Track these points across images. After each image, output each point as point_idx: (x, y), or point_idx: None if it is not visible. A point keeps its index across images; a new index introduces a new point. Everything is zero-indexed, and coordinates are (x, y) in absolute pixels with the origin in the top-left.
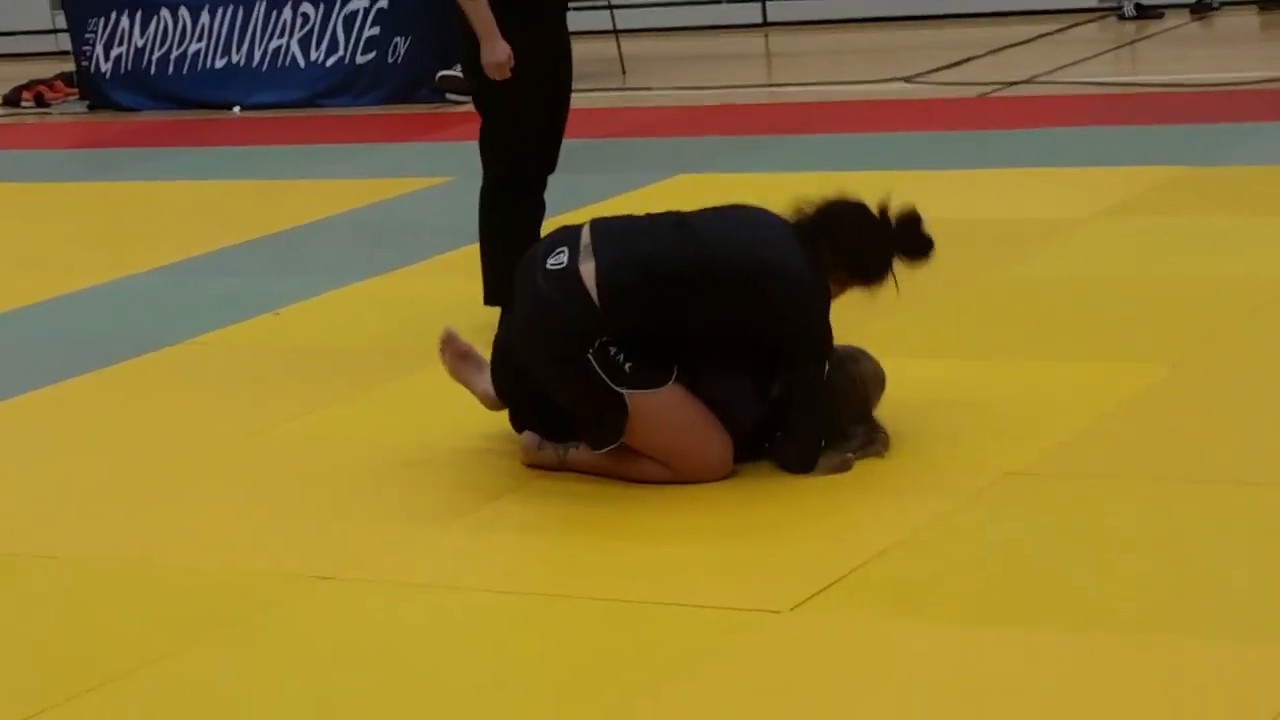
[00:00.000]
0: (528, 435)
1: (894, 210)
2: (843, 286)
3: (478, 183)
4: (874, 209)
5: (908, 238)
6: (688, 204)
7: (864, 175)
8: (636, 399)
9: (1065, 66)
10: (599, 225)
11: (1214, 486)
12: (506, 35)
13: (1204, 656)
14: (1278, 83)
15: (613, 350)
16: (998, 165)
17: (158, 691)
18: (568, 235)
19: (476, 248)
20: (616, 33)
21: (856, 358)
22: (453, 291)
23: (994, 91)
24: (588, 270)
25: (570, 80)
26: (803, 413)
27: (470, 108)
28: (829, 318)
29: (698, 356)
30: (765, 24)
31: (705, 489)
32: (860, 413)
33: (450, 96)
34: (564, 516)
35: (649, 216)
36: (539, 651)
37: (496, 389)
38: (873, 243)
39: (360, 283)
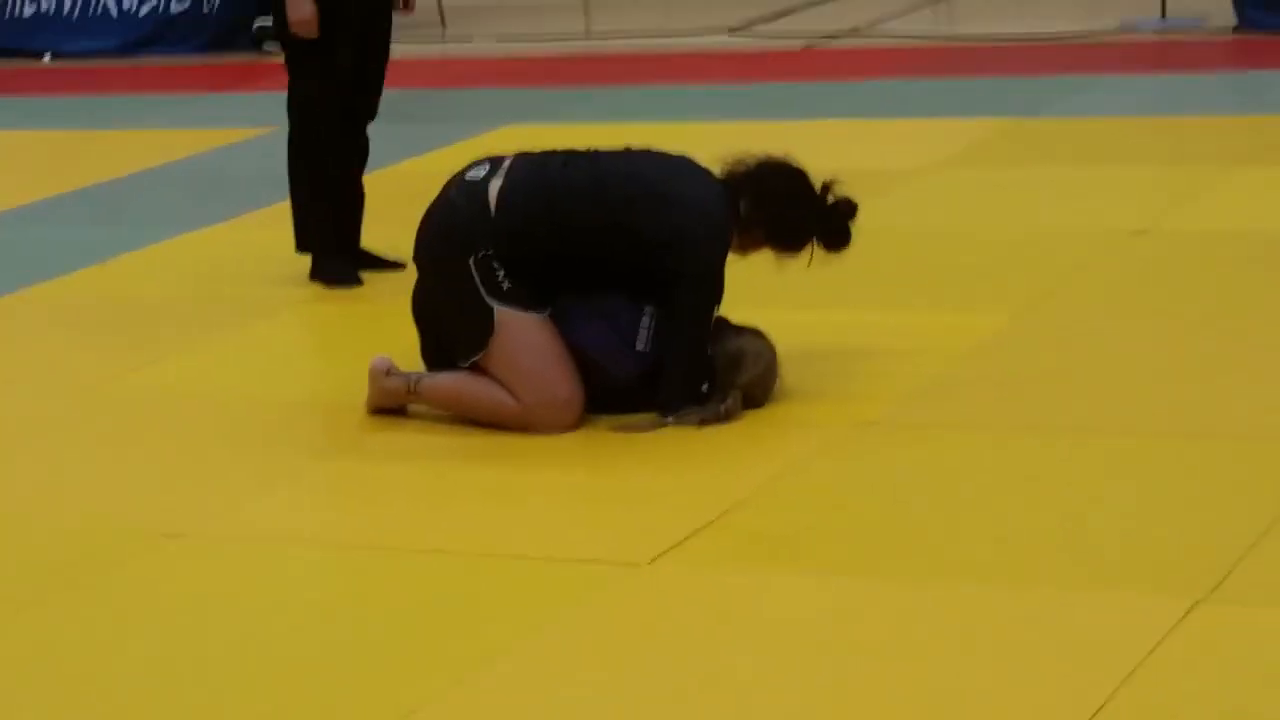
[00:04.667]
0: (378, 360)
1: (835, 194)
2: (752, 244)
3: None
4: (815, 183)
5: (833, 225)
6: None
7: (690, 126)
8: (505, 315)
9: (885, 20)
10: (523, 152)
11: (1060, 434)
12: None
13: (1061, 603)
14: (1093, 37)
15: (495, 265)
16: (823, 117)
17: (1, 652)
18: (494, 158)
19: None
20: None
21: (747, 337)
22: (272, 242)
23: (816, 44)
24: (495, 185)
25: (389, 27)
26: (678, 356)
27: None
28: (721, 266)
29: (575, 293)
30: None
31: (561, 445)
32: (724, 388)
33: (267, 46)
34: (416, 471)
35: (572, 149)
36: (393, 606)
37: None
38: (798, 212)
39: (185, 234)
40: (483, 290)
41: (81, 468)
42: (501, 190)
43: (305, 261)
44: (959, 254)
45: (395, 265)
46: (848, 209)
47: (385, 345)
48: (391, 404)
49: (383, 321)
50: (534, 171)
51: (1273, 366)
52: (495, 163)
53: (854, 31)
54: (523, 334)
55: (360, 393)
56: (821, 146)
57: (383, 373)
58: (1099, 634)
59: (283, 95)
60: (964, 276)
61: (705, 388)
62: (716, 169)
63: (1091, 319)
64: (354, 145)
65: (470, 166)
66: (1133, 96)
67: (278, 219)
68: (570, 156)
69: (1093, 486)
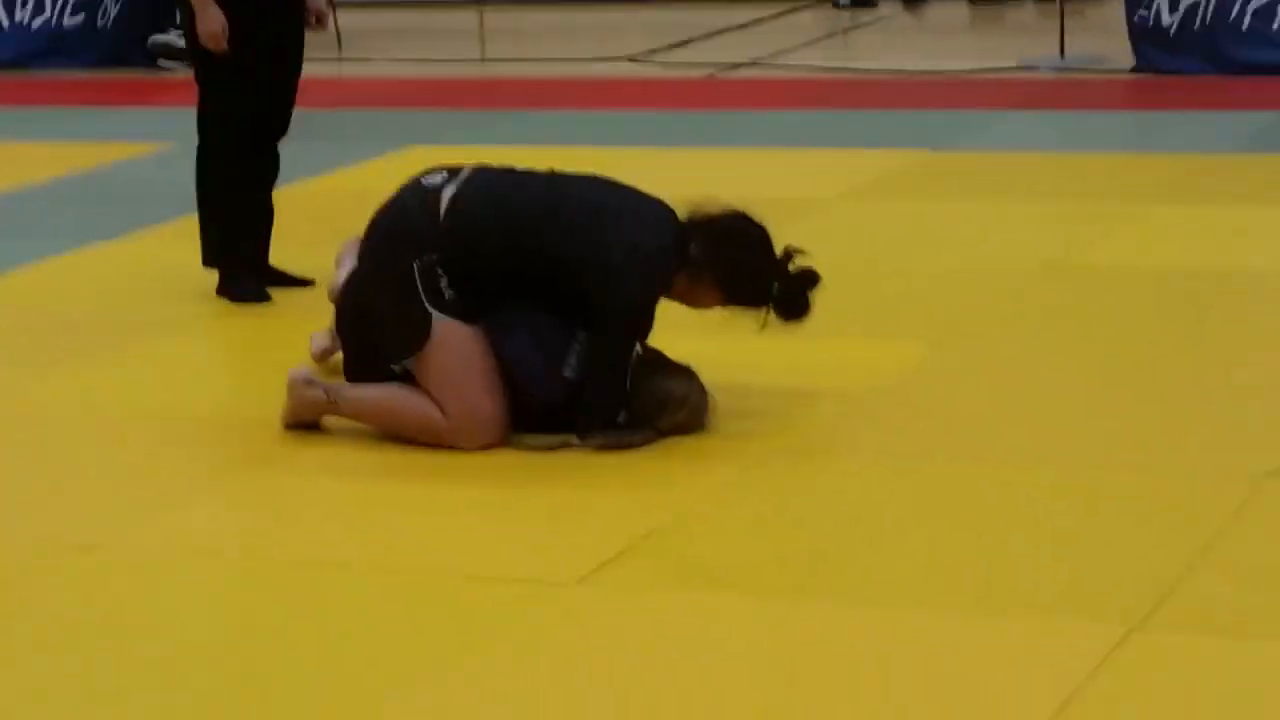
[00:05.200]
0: (296, 371)
1: (797, 263)
2: (703, 292)
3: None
4: (778, 248)
5: (791, 293)
6: None
7: (591, 151)
8: (442, 324)
9: (784, 51)
10: (482, 165)
11: (983, 463)
12: (221, 3)
13: (992, 629)
14: (990, 73)
15: (439, 271)
16: (729, 145)
17: None
18: (453, 167)
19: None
20: (333, 4)
21: (676, 378)
22: (176, 257)
23: (718, 73)
24: (449, 192)
25: (301, 42)
26: (594, 384)
27: (185, 73)
28: (653, 301)
29: (510, 309)
30: (480, 1)
31: (485, 462)
32: (645, 421)
33: (162, 63)
34: (337, 485)
35: (534, 169)
36: (315, 623)
37: (337, 323)
38: (754, 266)
39: (85, 248)
40: (424, 295)
41: None
42: (455, 199)
43: (212, 277)
44: (876, 284)
45: (303, 282)
46: (808, 279)
47: (296, 360)
48: (310, 416)
49: (294, 337)
50: (490, 184)
51: (1184, 400)
52: (453, 171)
53: (755, 63)
54: (457, 345)
55: (275, 407)
56: (728, 174)
57: (302, 383)
58: (1033, 661)
59: (179, 111)
60: (882, 306)
61: (622, 418)
62: (681, 209)
63: (1009, 350)
64: (264, 161)
65: (427, 172)
66: (1035, 133)
67: (181, 234)
68: (530, 176)
69: (1017, 514)
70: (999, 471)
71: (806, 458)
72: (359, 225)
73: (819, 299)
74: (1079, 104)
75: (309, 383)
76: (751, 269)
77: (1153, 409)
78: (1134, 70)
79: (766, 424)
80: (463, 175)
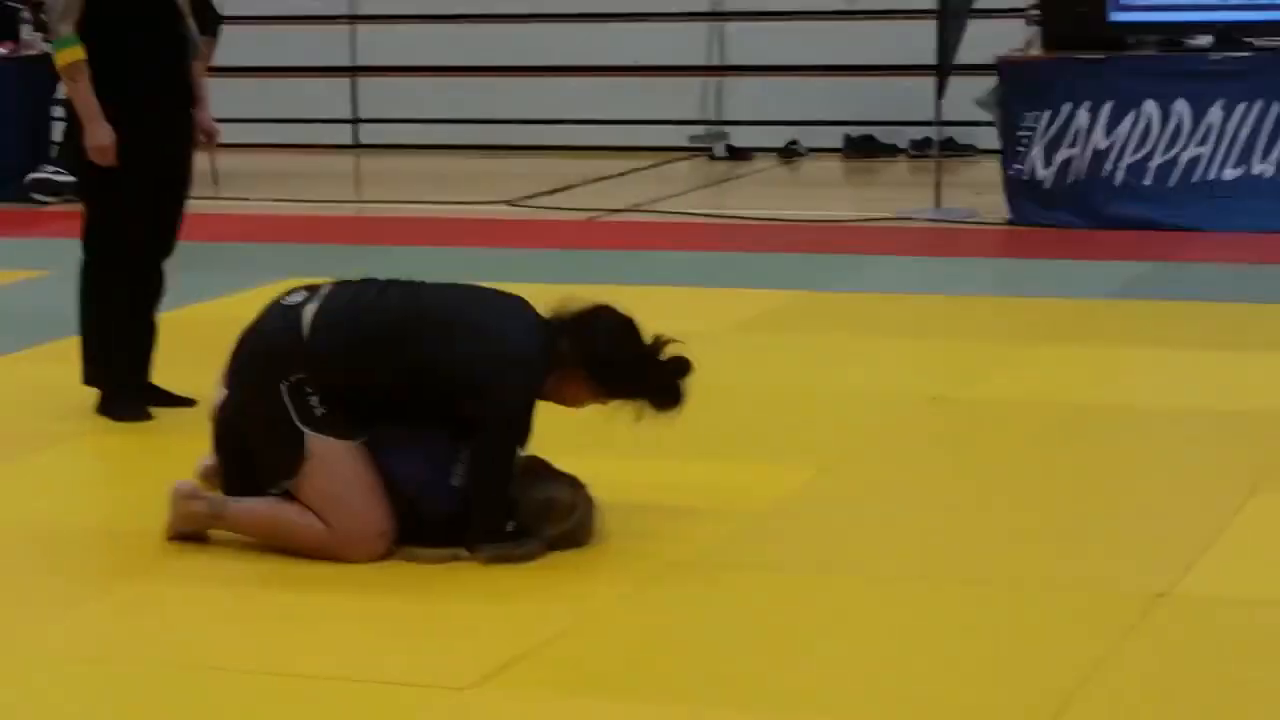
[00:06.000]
0: (180, 484)
1: (666, 351)
2: (575, 388)
3: (74, 276)
4: (646, 337)
5: (664, 382)
6: None
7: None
8: (316, 443)
9: (662, 199)
10: (342, 280)
11: (870, 580)
12: (111, 119)
13: None
14: (866, 222)
15: (308, 390)
16: (610, 282)
17: None
18: (311, 285)
19: (76, 338)
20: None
21: (562, 486)
22: (53, 377)
23: (597, 217)
24: (310, 309)
25: (189, 162)
26: (479, 495)
27: (60, 206)
28: (530, 405)
29: (391, 422)
30: (357, 145)
31: (373, 573)
32: (532, 534)
33: (37, 196)
34: (220, 594)
35: (394, 278)
36: None
37: (215, 445)
38: (623, 355)
39: None
40: (295, 416)
41: None
42: (316, 314)
43: (91, 395)
44: (763, 411)
45: (185, 402)
46: (680, 367)
47: (179, 475)
48: (193, 529)
49: (176, 453)
50: (351, 299)
51: (1069, 523)
52: (312, 289)
53: (635, 208)
54: (335, 462)
55: (158, 519)
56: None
57: (185, 496)
58: None
59: (55, 240)
60: (770, 432)
61: (512, 526)
62: (544, 310)
63: (896, 474)
64: (149, 279)
65: (288, 293)
66: (913, 276)
67: (58, 356)
68: (389, 285)
69: (909, 629)
70: (891, 587)
71: (700, 572)
72: None
73: (706, 424)
74: (954, 251)
75: (193, 496)
76: (623, 359)
77: (1040, 530)
78: (1008, 223)
79: (658, 540)
80: (323, 291)
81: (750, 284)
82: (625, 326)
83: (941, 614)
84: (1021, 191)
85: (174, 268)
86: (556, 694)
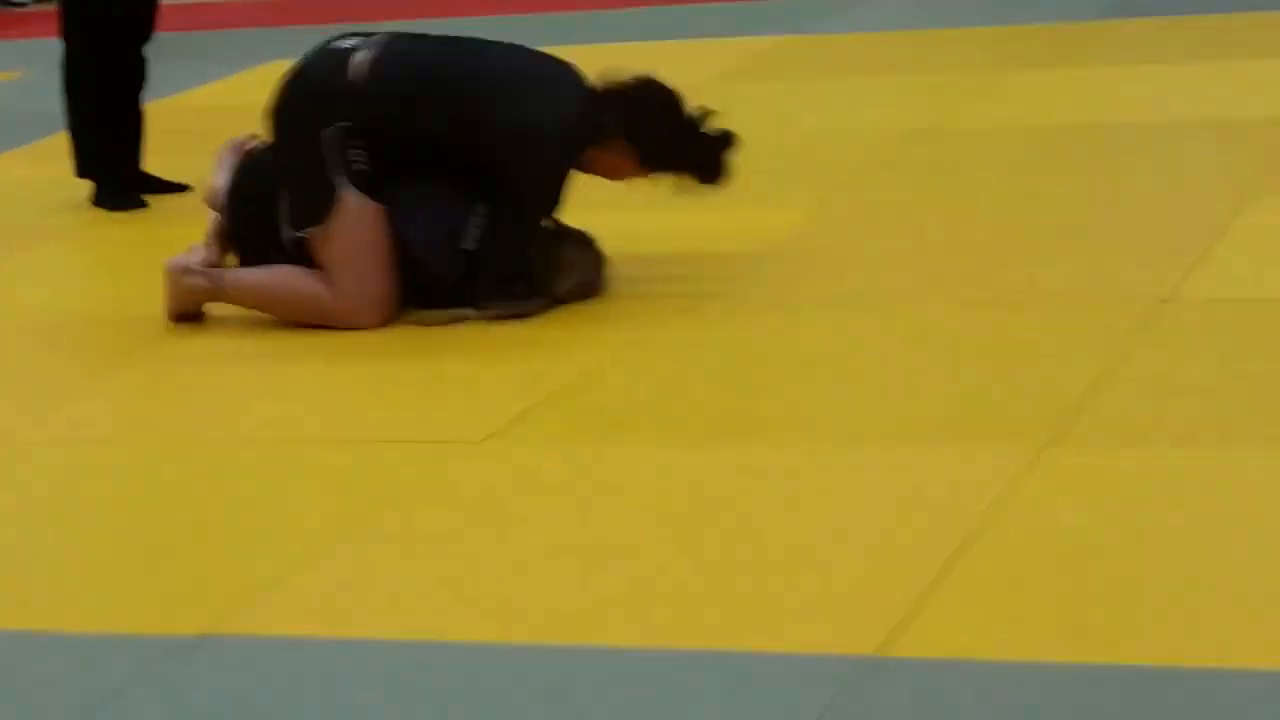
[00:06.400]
0: (174, 261)
1: (710, 125)
2: (617, 162)
3: (53, 75)
4: (692, 110)
5: (707, 155)
6: None
7: None
8: (348, 198)
9: None
10: (399, 32)
11: (873, 308)
12: None
13: (903, 458)
14: None
15: (350, 140)
16: (587, 43)
17: None
18: (365, 32)
19: (63, 134)
20: None
21: (572, 244)
22: (44, 174)
23: None
24: (363, 56)
25: None
26: (499, 254)
27: (35, 8)
28: (563, 175)
29: (408, 181)
30: None
31: (382, 339)
32: (540, 293)
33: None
34: (226, 371)
35: (447, 35)
36: (225, 495)
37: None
38: (668, 128)
39: None
40: (330, 165)
41: None
42: (373, 62)
43: (85, 188)
44: (753, 156)
45: (179, 188)
46: (724, 140)
47: None
48: (193, 306)
49: (172, 239)
50: (409, 49)
51: (1068, 239)
52: (366, 36)
53: None
54: (357, 225)
55: (157, 304)
56: (593, 69)
57: (181, 271)
58: (950, 484)
59: (27, 43)
60: (761, 176)
61: (522, 289)
62: (594, 80)
63: (887, 208)
64: (131, 66)
65: (338, 37)
66: (898, 14)
67: (48, 153)
68: (447, 41)
69: (916, 352)
70: (894, 313)
71: (702, 314)
72: (230, 135)
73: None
74: None
75: (188, 270)
76: (667, 134)
77: (1037, 246)
78: None
79: (657, 286)
80: (377, 39)
81: (733, 32)
82: (671, 99)
83: (946, 335)
84: None
85: (155, 58)
86: (574, 441)
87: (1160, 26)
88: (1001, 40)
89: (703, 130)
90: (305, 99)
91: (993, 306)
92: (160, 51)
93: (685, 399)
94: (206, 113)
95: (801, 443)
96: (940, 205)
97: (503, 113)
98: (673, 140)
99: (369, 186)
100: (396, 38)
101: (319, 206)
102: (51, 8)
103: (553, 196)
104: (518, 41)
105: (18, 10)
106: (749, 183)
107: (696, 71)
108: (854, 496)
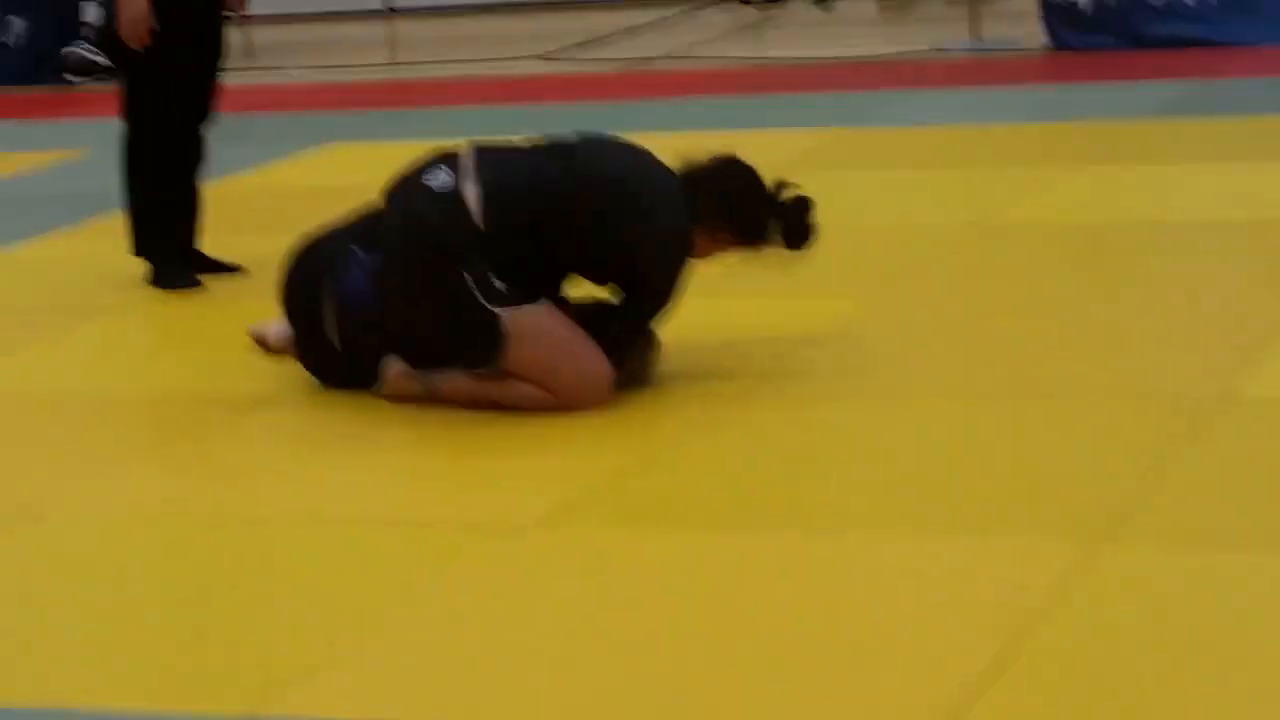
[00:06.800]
0: (393, 363)
1: (788, 193)
2: (719, 243)
3: (113, 154)
4: (767, 180)
5: (793, 221)
6: (344, 171)
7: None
8: (512, 318)
9: (695, 45)
10: (482, 150)
11: (922, 399)
12: None
13: (952, 549)
14: (907, 57)
15: (487, 271)
16: (649, 130)
17: None
18: (448, 157)
19: (121, 212)
20: (242, 18)
21: None
22: (101, 252)
23: (632, 67)
24: (471, 193)
25: (220, 24)
26: (619, 339)
27: (93, 86)
28: (683, 272)
29: (561, 282)
30: (389, 11)
31: (429, 427)
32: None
33: (69, 77)
34: (273, 453)
35: (531, 143)
36: (272, 574)
37: (291, 311)
38: (758, 204)
39: (7, 246)
40: (482, 299)
41: None
42: (483, 200)
43: (140, 266)
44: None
45: (233, 268)
46: (804, 204)
47: (234, 339)
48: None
49: (226, 319)
50: (508, 173)
51: (1117, 338)
52: (453, 165)
53: (669, 56)
54: (535, 331)
55: (213, 383)
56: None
57: (400, 375)
58: (998, 579)
59: (94, 122)
60: (812, 266)
61: None
62: (675, 166)
63: (939, 301)
64: (190, 146)
65: (425, 170)
66: (951, 108)
67: (105, 232)
68: (539, 152)
69: (967, 444)
70: (944, 406)
71: (753, 402)
72: (286, 216)
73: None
74: (992, 80)
75: (407, 375)
76: (759, 208)
77: (1087, 342)
78: (1047, 49)
79: (710, 374)
80: (466, 165)
81: (788, 125)
82: (754, 174)
83: (993, 428)
84: (1060, 17)
85: (213, 139)
86: (619, 527)
87: (1213, 127)
88: (1053, 136)
89: (784, 198)
90: (433, 248)
91: (1043, 401)
92: (219, 132)
93: (732, 486)
94: (263, 193)
95: (848, 532)
96: (991, 299)
97: (620, 232)
98: (765, 214)
99: (522, 298)
100: (486, 160)
101: (491, 341)
102: (113, 87)
103: (675, 295)
104: (571, 128)
105: (76, 90)
106: (800, 273)
107: (751, 162)
108: (900, 589)
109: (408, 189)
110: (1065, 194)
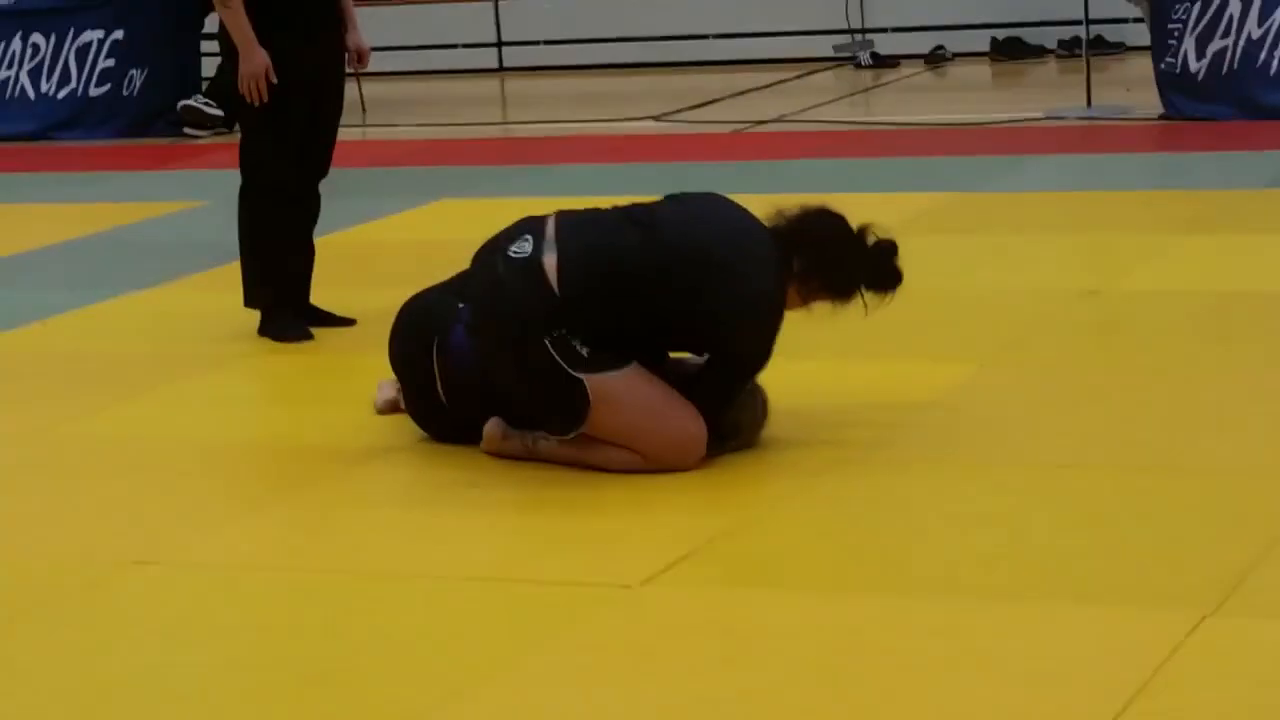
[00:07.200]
0: (494, 423)
1: (873, 236)
2: (809, 296)
3: (233, 205)
4: (853, 226)
5: (880, 266)
6: (455, 226)
7: (626, 200)
8: (595, 383)
9: (807, 109)
10: (565, 217)
11: (1039, 468)
12: (264, 43)
13: (1065, 618)
14: (1017, 123)
15: (570, 338)
16: (759, 192)
17: None
18: (532, 225)
19: (236, 264)
20: (358, 75)
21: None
22: (215, 302)
23: (744, 129)
24: (550, 261)
25: (341, 82)
26: (712, 404)
27: (211, 138)
28: (774, 336)
29: (652, 347)
30: (501, 69)
31: (540, 488)
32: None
33: (188, 131)
34: (383, 510)
35: (615, 209)
36: (375, 630)
37: (400, 366)
38: (848, 257)
39: (125, 295)
40: (566, 367)
41: (45, 503)
42: (560, 268)
43: (253, 318)
44: (920, 310)
45: (345, 321)
46: (890, 248)
47: (345, 393)
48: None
49: (338, 371)
50: (589, 242)
51: (1233, 411)
52: (537, 233)
53: (781, 119)
54: (621, 397)
55: (321, 436)
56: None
57: (500, 437)
58: (1105, 649)
59: (213, 172)
60: (928, 330)
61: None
62: (764, 220)
63: (1055, 367)
64: (306, 201)
65: (510, 239)
66: (1065, 175)
67: (219, 282)
68: (622, 220)
69: (1078, 513)
70: (1057, 475)
71: (862, 466)
72: (397, 271)
73: (867, 322)
74: (1107, 148)
75: (505, 435)
76: (848, 260)
77: (1201, 417)
78: (1162, 118)
79: (822, 437)
80: (549, 233)
81: (902, 188)
82: (843, 224)
83: (1105, 498)
84: (1174, 85)
85: (327, 194)
86: (726, 588)
87: None
88: (1166, 204)
89: (871, 243)
90: (513, 318)
91: (1155, 473)
92: (333, 186)
93: (838, 551)
94: (375, 248)
95: (954, 599)
96: (1104, 367)
97: (706, 302)
98: (854, 263)
99: (608, 364)
100: (568, 228)
101: (575, 408)
102: (233, 139)
103: (766, 358)
104: (682, 188)
105: (195, 142)
106: (915, 337)
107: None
108: (1005, 657)
109: (492, 256)
110: (1181, 261)
